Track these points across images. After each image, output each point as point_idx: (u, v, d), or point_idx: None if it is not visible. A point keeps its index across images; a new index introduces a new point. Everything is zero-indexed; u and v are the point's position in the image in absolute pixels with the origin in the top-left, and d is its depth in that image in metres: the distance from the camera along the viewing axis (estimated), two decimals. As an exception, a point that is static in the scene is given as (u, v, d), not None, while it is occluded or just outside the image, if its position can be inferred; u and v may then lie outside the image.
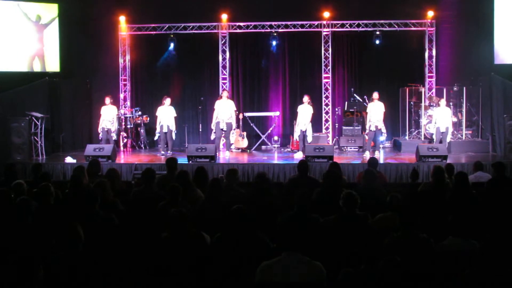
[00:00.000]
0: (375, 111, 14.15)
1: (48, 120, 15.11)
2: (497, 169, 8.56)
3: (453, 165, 9.48)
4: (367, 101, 15.86)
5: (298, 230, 4.43)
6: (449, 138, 14.14)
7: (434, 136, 14.39)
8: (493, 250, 4.17)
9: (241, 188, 7.71)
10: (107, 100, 14.75)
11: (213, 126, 14.60)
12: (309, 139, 14.47)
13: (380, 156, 14.24)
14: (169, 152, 14.48)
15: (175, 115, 14.57)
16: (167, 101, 14.51)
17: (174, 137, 14.75)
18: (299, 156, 14.01)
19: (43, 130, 14.52)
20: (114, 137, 14.89)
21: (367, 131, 14.54)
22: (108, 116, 14.70)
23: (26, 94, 14.94)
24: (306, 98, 14.53)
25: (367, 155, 13.94)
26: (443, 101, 14.33)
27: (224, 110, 14.43)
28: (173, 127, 14.48)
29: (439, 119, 14.05)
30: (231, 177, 7.99)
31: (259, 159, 14.14)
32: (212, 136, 14.71)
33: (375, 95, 14.22)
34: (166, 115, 14.45)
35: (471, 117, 16.22)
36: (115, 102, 16.68)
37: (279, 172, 12.43)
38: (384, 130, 14.41)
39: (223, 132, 14.41)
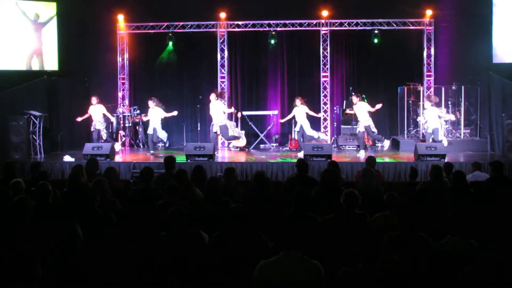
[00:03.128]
0: (359, 114, 14.24)
1: (46, 119, 15.12)
2: (495, 168, 8.56)
3: (452, 163, 9.47)
4: (365, 100, 15.86)
5: (296, 229, 4.43)
6: (441, 137, 13.99)
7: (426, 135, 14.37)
8: (492, 250, 4.18)
9: (240, 187, 7.72)
10: (94, 100, 14.72)
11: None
12: (309, 132, 14.60)
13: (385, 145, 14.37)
14: (151, 151, 14.52)
15: (162, 116, 14.62)
16: (150, 103, 14.57)
17: (164, 137, 14.86)
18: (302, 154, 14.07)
19: (41, 128, 14.52)
20: (104, 136, 14.81)
21: (357, 132, 14.62)
22: (97, 117, 14.69)
23: (24, 92, 14.94)
24: (298, 101, 14.66)
25: (361, 154, 13.97)
26: (427, 103, 14.16)
27: (213, 113, 14.43)
28: (160, 133, 14.65)
29: (429, 120, 13.97)
30: (229, 176, 8.00)
31: (258, 157, 14.14)
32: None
33: (354, 99, 14.34)
34: (152, 117, 14.53)
35: (469, 116, 16.24)
36: (113, 100, 16.69)
37: (277, 171, 12.44)
38: (374, 129, 14.42)
39: (221, 135, 14.43)
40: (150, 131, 14.65)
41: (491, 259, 4.14)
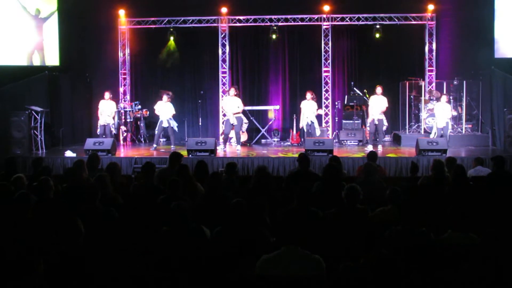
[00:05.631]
0: (379, 106, 14.18)
1: (48, 114, 15.11)
2: (497, 163, 8.55)
3: (455, 158, 9.42)
4: (367, 95, 15.88)
5: (298, 224, 4.44)
6: (448, 132, 14.16)
7: (434, 130, 14.39)
8: (493, 244, 4.18)
9: (241, 182, 7.72)
10: (107, 95, 14.75)
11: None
12: (317, 132, 14.61)
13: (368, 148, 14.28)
14: (172, 146, 14.54)
15: (173, 112, 14.62)
16: (164, 97, 14.54)
17: (176, 129, 14.81)
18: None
19: (43, 124, 14.51)
20: (114, 131, 14.89)
21: (367, 124, 14.51)
22: (108, 111, 14.70)
23: (25, 88, 14.93)
24: (309, 95, 14.66)
25: (369, 148, 13.97)
26: (444, 97, 14.29)
27: (232, 106, 14.47)
28: (174, 124, 14.57)
29: (439, 113, 14.05)
30: (231, 171, 8.00)
31: (259, 152, 14.14)
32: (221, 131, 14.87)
33: (378, 89, 14.27)
34: (165, 111, 14.48)
35: (471, 111, 16.21)
36: (115, 96, 16.67)
37: (279, 165, 12.43)
38: (385, 122, 14.43)
39: (234, 127, 14.49)
40: (165, 124, 14.51)
41: (492, 253, 4.14)
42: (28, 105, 14.31)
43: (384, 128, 14.69)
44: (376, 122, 14.19)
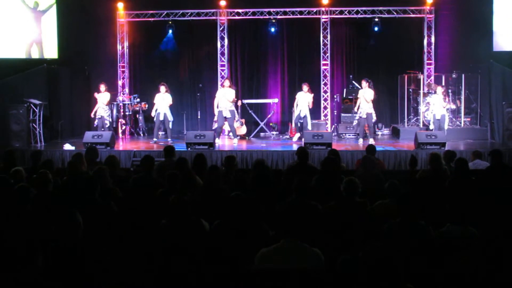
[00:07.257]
0: (364, 99, 14.19)
1: (46, 107, 15.09)
2: (494, 157, 8.56)
3: (454, 151, 9.40)
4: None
5: (297, 217, 4.44)
6: (446, 125, 14.17)
7: (431, 123, 14.42)
8: (491, 238, 4.19)
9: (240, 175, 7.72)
10: (102, 87, 14.70)
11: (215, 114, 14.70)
12: (309, 127, 14.60)
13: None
14: (169, 139, 14.52)
15: (171, 102, 14.60)
16: (162, 88, 14.52)
17: (171, 126, 14.74)
18: (296, 138, 14.27)
19: (41, 117, 14.51)
20: (108, 124, 14.80)
21: (357, 117, 14.53)
22: (102, 104, 14.66)
23: (24, 81, 14.92)
24: (305, 87, 14.67)
25: (360, 142, 14.01)
26: (439, 89, 14.31)
27: (226, 98, 14.47)
28: (170, 117, 14.54)
29: (435, 106, 14.07)
30: (229, 164, 8.01)
31: (258, 146, 14.14)
32: (214, 125, 14.86)
33: (363, 83, 14.28)
34: (161, 103, 14.47)
35: (469, 104, 16.23)
36: (113, 89, 16.64)
37: (278, 159, 12.44)
38: (374, 116, 14.36)
39: (227, 120, 14.50)
40: (161, 117, 14.50)
41: (490, 247, 4.15)
42: (26, 98, 14.30)
43: (373, 121, 14.60)
44: (364, 116, 14.19)
